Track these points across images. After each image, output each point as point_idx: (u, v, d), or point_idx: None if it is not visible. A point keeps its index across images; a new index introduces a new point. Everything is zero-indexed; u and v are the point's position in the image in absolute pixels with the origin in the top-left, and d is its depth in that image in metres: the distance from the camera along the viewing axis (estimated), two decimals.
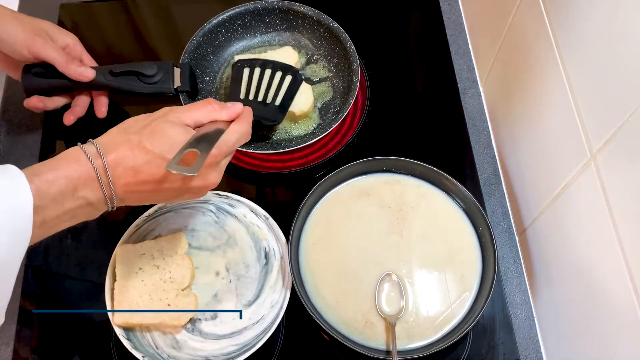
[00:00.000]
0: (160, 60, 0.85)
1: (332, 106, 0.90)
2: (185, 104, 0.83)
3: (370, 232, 0.77)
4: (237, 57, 0.90)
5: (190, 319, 0.72)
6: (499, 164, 0.89)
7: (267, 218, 0.78)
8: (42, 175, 0.53)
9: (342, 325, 0.72)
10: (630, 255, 0.55)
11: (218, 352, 0.71)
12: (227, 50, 0.94)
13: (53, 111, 0.86)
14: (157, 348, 0.71)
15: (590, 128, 0.61)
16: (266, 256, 0.77)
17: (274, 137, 0.88)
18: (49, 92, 0.84)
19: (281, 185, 0.89)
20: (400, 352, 0.69)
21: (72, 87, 0.83)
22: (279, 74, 0.87)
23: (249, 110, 0.67)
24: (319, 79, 0.93)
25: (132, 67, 0.82)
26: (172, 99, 0.84)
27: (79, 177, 0.55)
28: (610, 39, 0.56)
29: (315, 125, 0.88)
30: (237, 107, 0.66)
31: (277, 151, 0.83)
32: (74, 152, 0.56)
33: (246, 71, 0.87)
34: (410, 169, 0.80)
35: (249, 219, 0.79)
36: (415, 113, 0.94)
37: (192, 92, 0.86)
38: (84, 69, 0.79)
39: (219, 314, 0.73)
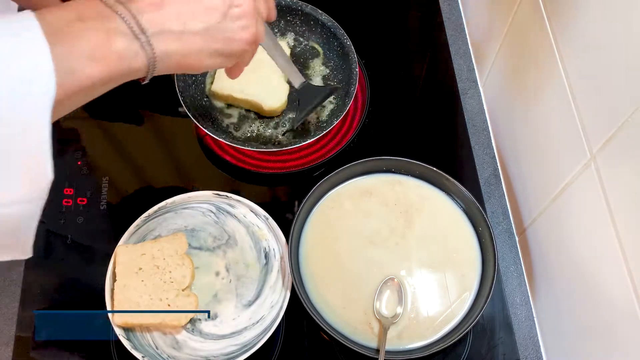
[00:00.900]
0: None
1: (331, 106, 0.90)
2: (179, 78, 0.83)
3: (371, 232, 0.77)
4: None
5: (190, 319, 0.72)
6: (499, 164, 0.89)
7: (267, 218, 0.78)
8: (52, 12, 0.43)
9: (343, 325, 0.72)
10: (630, 255, 0.55)
11: (218, 352, 0.71)
12: None
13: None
14: (157, 348, 0.71)
15: (590, 128, 0.61)
16: (266, 256, 0.77)
17: (273, 136, 0.88)
18: None
19: (281, 185, 0.89)
20: (400, 352, 0.69)
21: None
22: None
23: None
24: (319, 78, 0.93)
25: None
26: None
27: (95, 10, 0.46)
28: (610, 39, 0.56)
29: (325, 119, 0.89)
30: None
31: (278, 149, 0.83)
32: None
33: None
34: (410, 169, 0.80)
35: (249, 219, 0.79)
36: (415, 113, 0.94)
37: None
38: None
39: (219, 314, 0.73)
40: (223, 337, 0.72)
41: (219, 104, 0.90)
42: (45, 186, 0.42)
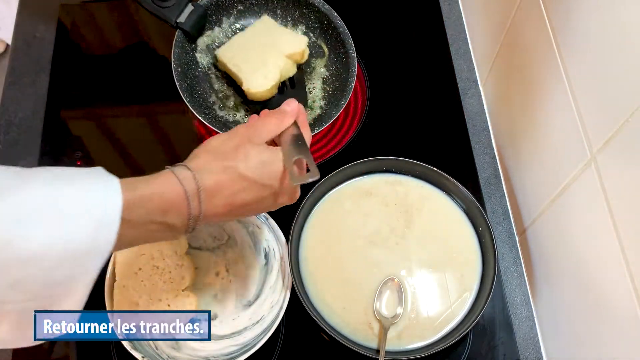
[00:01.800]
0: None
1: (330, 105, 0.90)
2: (178, 41, 0.83)
3: (371, 232, 0.77)
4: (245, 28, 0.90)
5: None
6: (499, 164, 0.89)
7: (267, 218, 0.78)
8: (136, 189, 0.50)
9: (342, 325, 0.72)
10: (630, 255, 0.55)
11: (218, 352, 0.71)
12: (238, 21, 0.93)
13: (52, 111, 0.86)
14: (156, 348, 0.71)
15: (590, 128, 0.61)
16: (266, 256, 0.77)
17: None
18: None
19: None
20: (400, 353, 0.69)
21: None
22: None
23: (301, 107, 0.65)
24: (319, 82, 0.93)
25: None
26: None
27: (171, 199, 0.52)
28: (611, 39, 0.56)
29: (311, 123, 0.88)
30: (293, 105, 0.64)
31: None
32: (167, 174, 0.54)
33: None
34: (410, 169, 0.80)
35: (248, 219, 0.79)
36: (415, 113, 0.93)
37: (192, 36, 0.84)
38: None
39: (219, 314, 0.73)
40: (223, 337, 0.72)
41: (218, 102, 0.90)
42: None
